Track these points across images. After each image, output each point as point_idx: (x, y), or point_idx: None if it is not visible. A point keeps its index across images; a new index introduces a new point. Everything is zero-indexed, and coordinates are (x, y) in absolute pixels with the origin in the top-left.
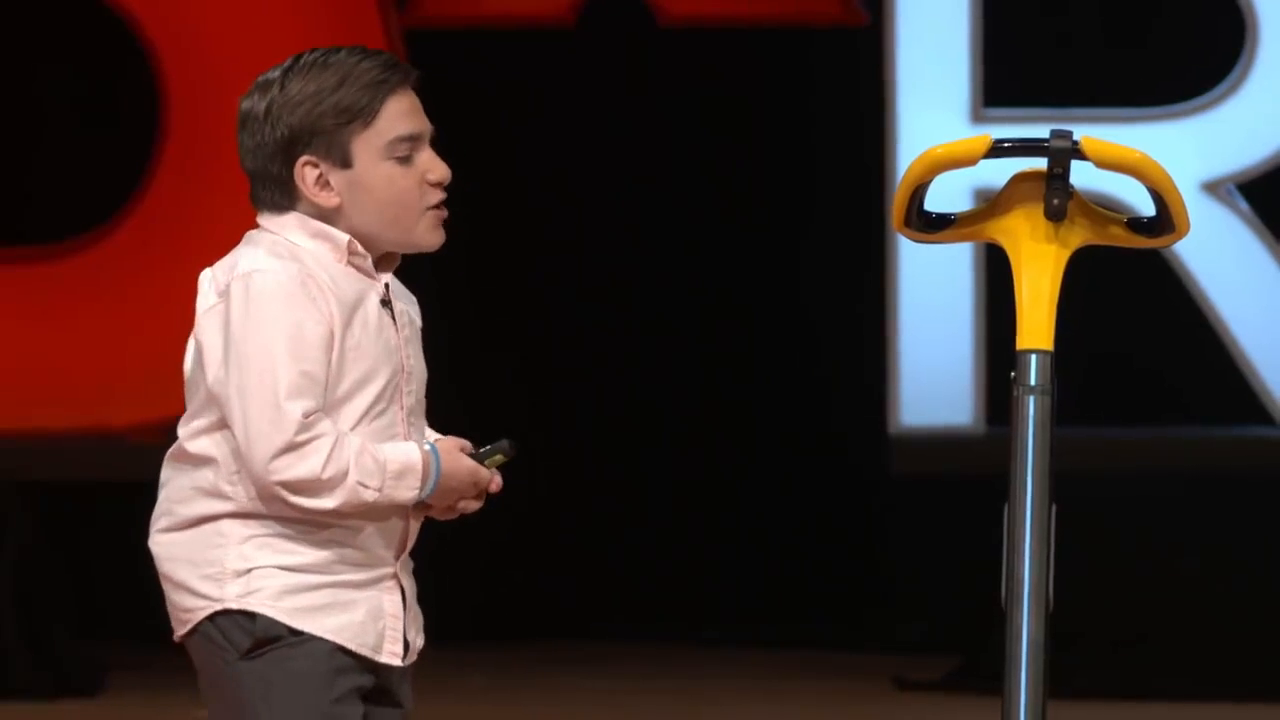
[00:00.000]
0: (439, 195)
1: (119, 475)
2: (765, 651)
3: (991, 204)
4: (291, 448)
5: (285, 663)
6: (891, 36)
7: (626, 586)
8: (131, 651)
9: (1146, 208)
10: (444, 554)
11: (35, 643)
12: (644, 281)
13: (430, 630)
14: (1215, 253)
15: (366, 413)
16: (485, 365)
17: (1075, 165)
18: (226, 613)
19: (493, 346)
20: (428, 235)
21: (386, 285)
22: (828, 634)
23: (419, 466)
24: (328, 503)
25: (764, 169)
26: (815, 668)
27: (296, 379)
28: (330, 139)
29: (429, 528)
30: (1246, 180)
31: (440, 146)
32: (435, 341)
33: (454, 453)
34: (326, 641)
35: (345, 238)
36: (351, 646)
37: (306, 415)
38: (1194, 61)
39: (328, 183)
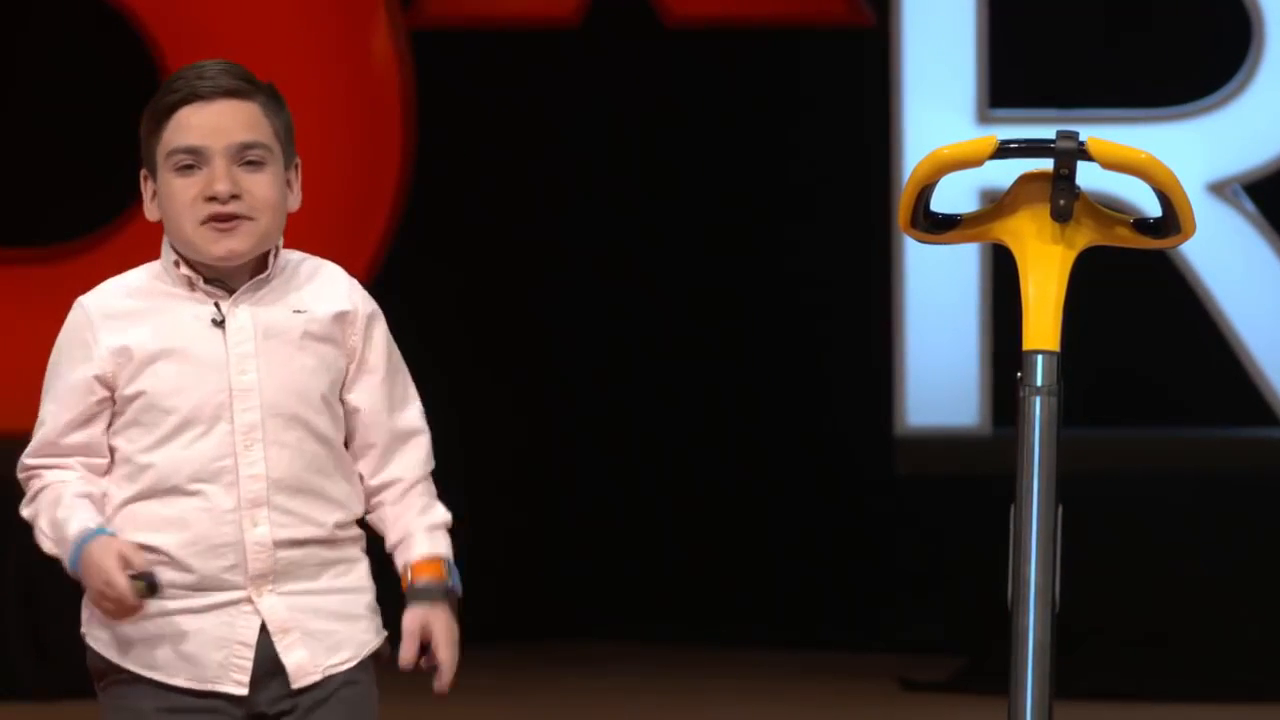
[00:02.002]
0: (211, 208)
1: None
2: (770, 652)
3: (997, 205)
4: (23, 485)
5: (117, 699)
6: (897, 37)
7: (631, 587)
8: None
9: (1152, 208)
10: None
11: (40, 643)
12: (649, 282)
13: None
14: (1221, 254)
15: (168, 439)
16: (488, 366)
17: (1081, 166)
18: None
19: (495, 347)
20: (207, 246)
21: (217, 304)
22: (833, 635)
23: (69, 540)
24: (36, 539)
25: (770, 170)
26: (820, 668)
27: (39, 420)
28: (146, 149)
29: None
30: (1252, 181)
31: (445, 146)
32: (437, 338)
33: (103, 551)
34: (150, 679)
35: (171, 257)
36: (175, 682)
37: (29, 458)
38: (1200, 62)
39: (154, 195)
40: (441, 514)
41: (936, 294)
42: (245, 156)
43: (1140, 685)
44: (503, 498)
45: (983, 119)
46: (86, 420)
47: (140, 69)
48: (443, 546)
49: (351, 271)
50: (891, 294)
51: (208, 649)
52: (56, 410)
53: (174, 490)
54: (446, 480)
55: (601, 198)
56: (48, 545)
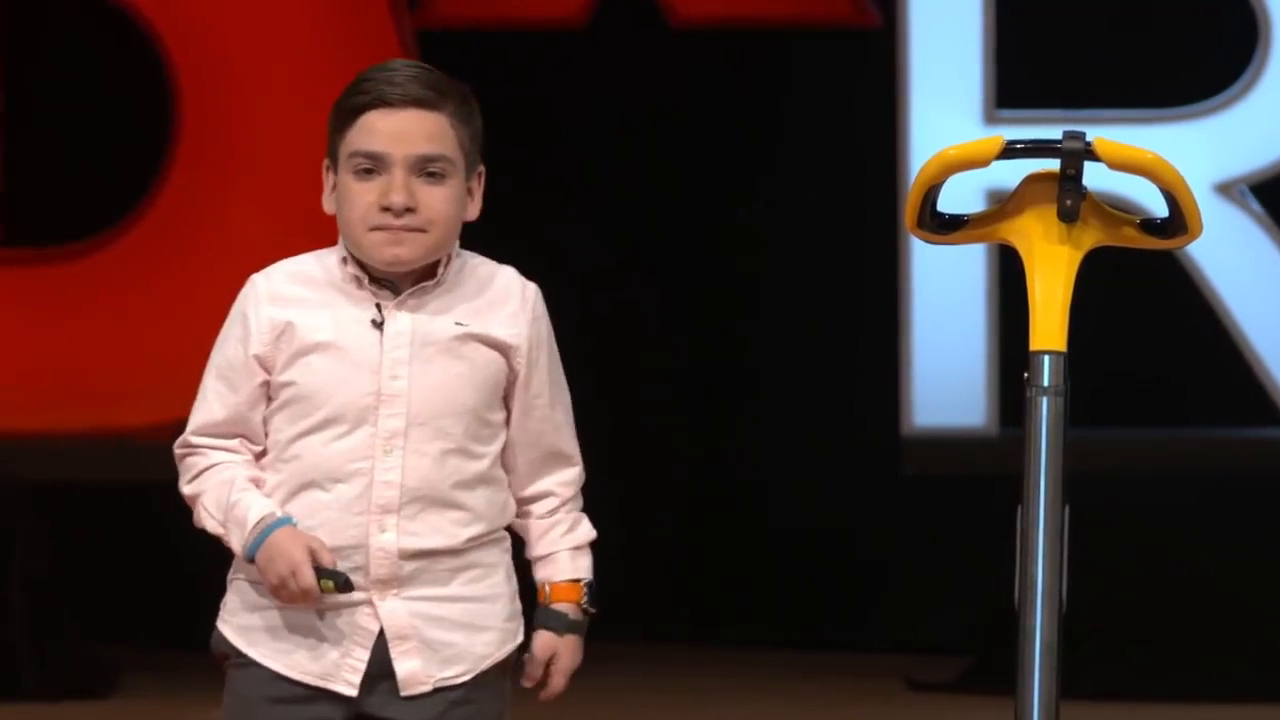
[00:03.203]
0: (384, 219)
1: (131, 476)
2: (777, 652)
3: (1004, 205)
4: (178, 461)
5: (233, 683)
6: (904, 38)
7: (636, 586)
8: (144, 653)
9: (1159, 209)
10: None
11: (46, 643)
12: (655, 282)
13: None
14: (1228, 254)
15: (312, 431)
16: None
17: (1088, 166)
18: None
19: None
20: (374, 251)
21: (378, 305)
22: (839, 635)
23: (250, 525)
24: (194, 514)
25: (775, 170)
26: (827, 668)
27: (200, 396)
28: (332, 143)
29: None
30: (1259, 181)
31: None
32: None
33: (292, 541)
34: (265, 668)
35: (342, 253)
36: (293, 674)
37: (192, 435)
38: (1206, 63)
39: (334, 187)
40: (586, 533)
41: (943, 294)
42: (426, 168)
43: (1145, 685)
44: None
45: (989, 119)
46: (248, 402)
47: (145, 69)
48: (585, 569)
49: None
50: (898, 294)
51: (326, 646)
52: (219, 389)
53: (311, 484)
54: None
55: (607, 198)
56: (211, 525)
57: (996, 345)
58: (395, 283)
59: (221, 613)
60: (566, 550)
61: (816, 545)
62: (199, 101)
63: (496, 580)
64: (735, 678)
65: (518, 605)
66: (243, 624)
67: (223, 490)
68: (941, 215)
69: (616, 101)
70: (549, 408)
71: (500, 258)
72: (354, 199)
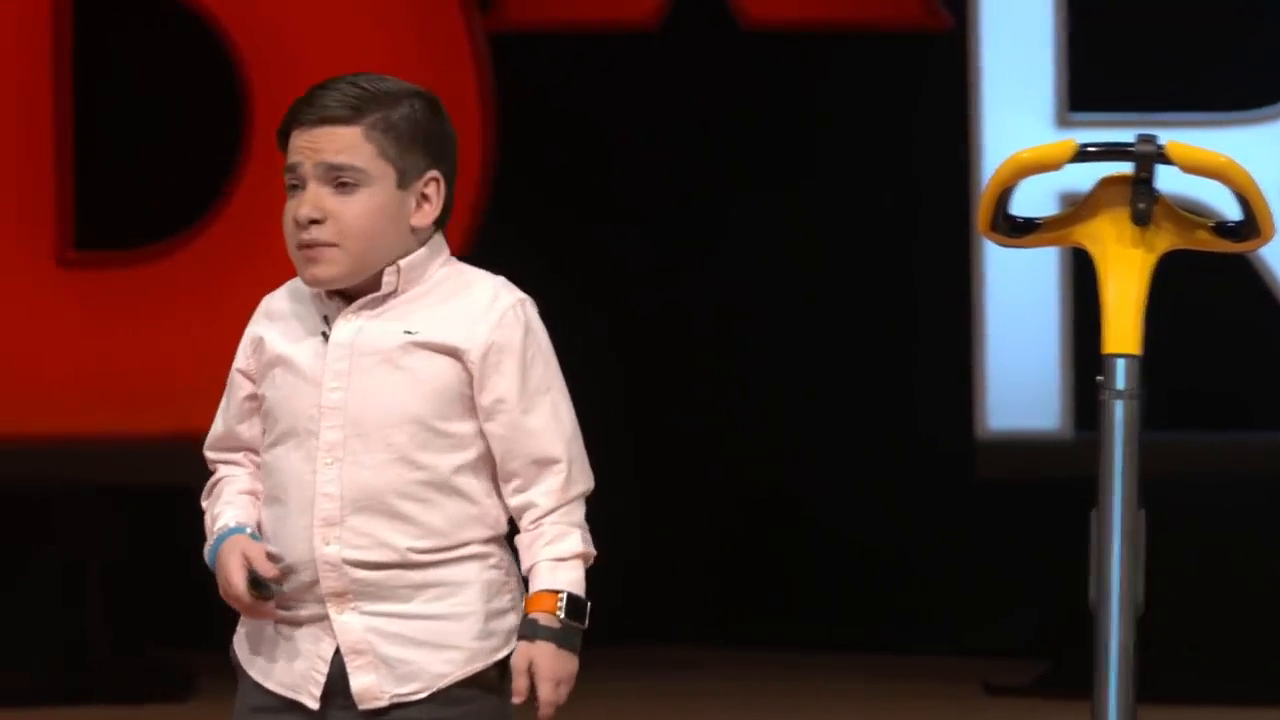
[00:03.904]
0: (300, 235)
1: (206, 480)
2: (852, 655)
3: (1077, 209)
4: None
5: (239, 690)
6: (975, 40)
7: (709, 591)
8: (221, 656)
9: (1232, 212)
10: None
11: (125, 647)
12: (728, 284)
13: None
14: None
15: (276, 444)
16: (565, 368)
17: (1161, 170)
18: None
19: (571, 345)
20: (300, 273)
21: (325, 317)
22: (916, 638)
23: (211, 537)
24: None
25: (847, 173)
26: (903, 671)
27: (217, 414)
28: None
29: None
30: None
31: (522, 150)
32: None
33: (229, 551)
34: (250, 676)
35: None
36: (269, 685)
37: (206, 448)
38: (1279, 65)
39: None
40: (572, 545)
41: (1016, 297)
42: (337, 179)
43: (1215, 688)
44: (609, 502)
45: (1062, 122)
46: (237, 415)
47: (218, 72)
48: (563, 579)
49: None
50: (971, 297)
51: (295, 659)
52: (225, 403)
53: (273, 498)
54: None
55: (678, 201)
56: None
57: (1070, 348)
58: (354, 294)
59: (240, 622)
60: (546, 561)
61: (891, 549)
62: (271, 104)
63: (466, 598)
64: (809, 681)
65: (503, 623)
66: (242, 632)
67: (213, 505)
68: (1014, 218)
69: (687, 104)
70: (520, 414)
71: (573, 260)
72: (284, 218)
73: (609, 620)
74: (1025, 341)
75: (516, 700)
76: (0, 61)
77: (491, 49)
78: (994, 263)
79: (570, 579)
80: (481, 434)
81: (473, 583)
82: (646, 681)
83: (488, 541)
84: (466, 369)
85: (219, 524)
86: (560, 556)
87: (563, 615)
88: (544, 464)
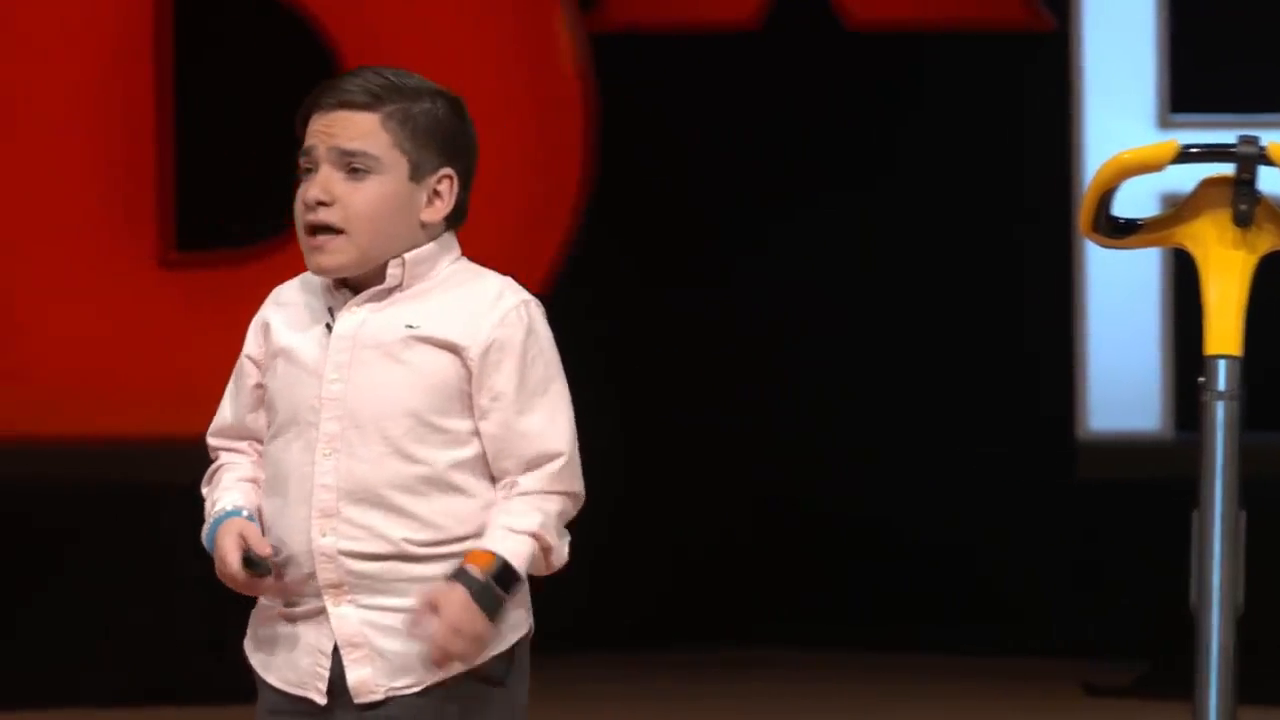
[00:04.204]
0: (307, 215)
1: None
2: (951, 656)
3: (1178, 210)
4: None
5: (258, 696)
6: (1078, 41)
7: (808, 591)
8: None
9: None
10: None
11: (216, 645)
12: (828, 284)
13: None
14: None
15: (277, 435)
16: (668, 368)
17: (1263, 171)
18: None
19: (676, 350)
20: (308, 259)
21: (330, 309)
22: (1016, 639)
23: (209, 519)
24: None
25: (949, 174)
26: (1004, 672)
27: (222, 401)
28: None
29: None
30: None
31: (624, 150)
32: (617, 342)
33: (225, 532)
34: (262, 678)
35: None
36: (278, 685)
37: (209, 435)
38: None
39: None
40: (530, 523)
41: (1118, 298)
42: (349, 164)
43: None
44: (691, 500)
45: (1164, 124)
46: (248, 404)
47: (318, 71)
48: (506, 546)
49: (530, 278)
50: (1073, 299)
51: (300, 655)
52: (233, 391)
53: (273, 489)
54: (632, 486)
55: (781, 200)
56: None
57: (1171, 349)
58: (361, 286)
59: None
60: (500, 529)
61: (992, 550)
62: None
63: None
64: (908, 683)
65: (501, 622)
66: (252, 635)
67: (213, 492)
68: (1116, 219)
69: (789, 103)
70: (514, 414)
71: (672, 256)
72: (295, 201)
73: (696, 620)
74: (1126, 342)
75: (412, 636)
76: (102, 63)
77: (593, 49)
78: (1096, 264)
79: (513, 549)
80: (479, 432)
81: None
82: (727, 683)
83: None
84: (466, 365)
85: (217, 507)
86: (515, 528)
87: (490, 574)
88: (541, 459)
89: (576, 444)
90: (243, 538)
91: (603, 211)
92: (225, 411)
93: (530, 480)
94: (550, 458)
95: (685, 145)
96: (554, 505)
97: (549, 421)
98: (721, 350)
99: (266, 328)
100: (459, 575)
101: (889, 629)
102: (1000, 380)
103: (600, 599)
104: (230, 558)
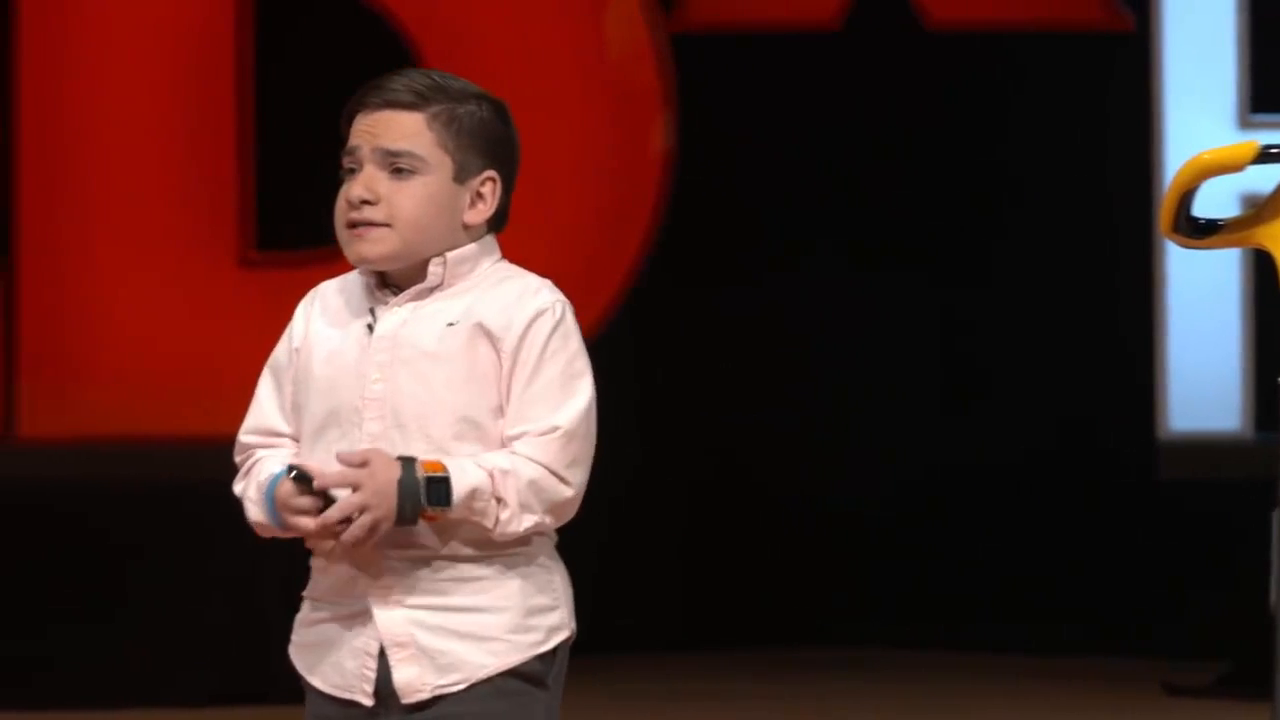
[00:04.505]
0: (350, 214)
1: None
2: (1030, 656)
3: (1259, 210)
4: (237, 466)
5: (306, 703)
6: (1158, 42)
7: (887, 591)
8: None
9: None
10: (700, 555)
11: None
12: (910, 285)
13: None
14: None
15: (318, 434)
16: (742, 365)
17: None
18: None
19: (751, 350)
20: (346, 250)
21: (372, 309)
22: (1096, 639)
23: (263, 490)
24: (247, 514)
25: (1028, 174)
26: (1084, 672)
27: (253, 399)
28: None
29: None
30: None
31: (705, 150)
32: (694, 343)
33: (282, 488)
34: (310, 683)
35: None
36: (325, 689)
37: (243, 435)
38: None
39: None
40: (497, 462)
41: (1198, 299)
42: (393, 164)
43: None
44: (774, 503)
45: (1244, 124)
46: (290, 403)
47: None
48: (460, 469)
49: (611, 278)
50: (1153, 299)
51: (346, 657)
52: (267, 389)
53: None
54: (707, 485)
55: (860, 200)
56: (254, 513)
57: (1252, 349)
58: (402, 287)
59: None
60: (469, 458)
61: (1072, 550)
62: None
63: (506, 592)
64: (989, 682)
65: (545, 620)
66: (296, 640)
67: (259, 474)
68: (1196, 220)
69: (869, 103)
70: (527, 392)
71: (750, 255)
72: (337, 199)
73: (767, 618)
74: (1207, 343)
75: (319, 485)
76: (183, 64)
77: (674, 50)
78: (1176, 264)
79: (464, 475)
80: None
81: (513, 578)
82: (795, 684)
83: (531, 538)
84: (500, 359)
85: (264, 475)
86: (479, 462)
87: (428, 478)
88: (533, 431)
89: (583, 434)
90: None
91: (682, 211)
92: (266, 411)
93: (521, 444)
94: (547, 430)
95: (765, 145)
96: (531, 471)
97: (558, 403)
98: (805, 346)
99: (307, 326)
100: (404, 460)
101: (968, 628)
102: (1081, 380)
103: (675, 597)
104: (297, 502)
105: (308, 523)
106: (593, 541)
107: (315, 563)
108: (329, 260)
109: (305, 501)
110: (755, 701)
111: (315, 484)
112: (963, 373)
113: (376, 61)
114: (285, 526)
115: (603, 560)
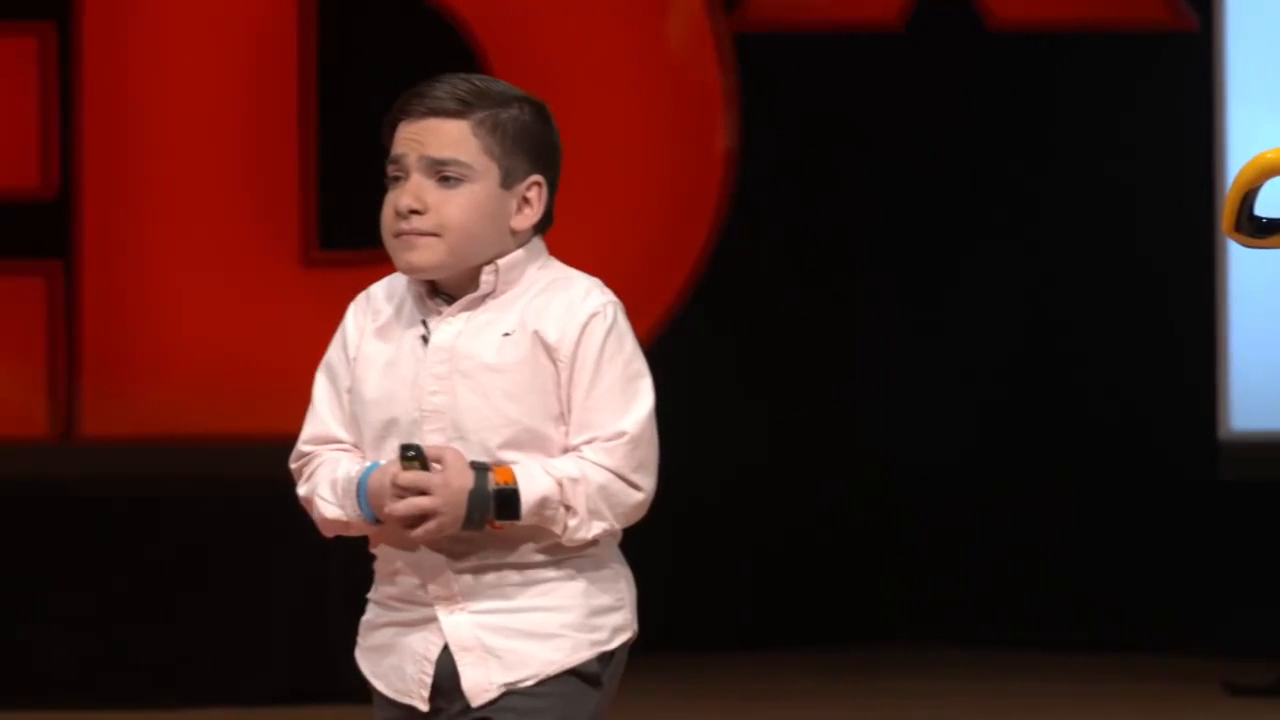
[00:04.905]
0: (399, 223)
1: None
2: (1091, 656)
3: None
4: (295, 475)
5: (375, 706)
6: (1221, 41)
7: (951, 592)
8: None
9: None
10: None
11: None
12: (971, 286)
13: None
14: None
15: (377, 444)
16: (806, 366)
17: None
18: None
19: (815, 348)
20: (395, 259)
21: (423, 321)
22: (1156, 639)
23: (352, 484)
24: (314, 517)
25: (1090, 174)
26: (1145, 671)
27: (310, 408)
28: None
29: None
30: None
31: (774, 151)
32: (756, 342)
33: (380, 474)
34: (374, 688)
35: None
36: (388, 693)
37: (303, 444)
38: None
39: None
40: (566, 469)
41: (1261, 298)
42: (440, 173)
43: None
44: (841, 501)
45: None
46: (348, 411)
47: (464, 72)
48: (529, 477)
49: (673, 275)
50: (1215, 298)
51: (406, 663)
52: (325, 395)
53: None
54: (771, 483)
55: (923, 200)
56: (330, 511)
57: None
58: (452, 295)
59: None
60: (538, 465)
61: (1134, 549)
62: None
63: (570, 592)
64: (1049, 681)
65: (608, 620)
66: (363, 645)
67: (330, 474)
68: (1259, 219)
69: (932, 104)
70: (590, 398)
71: (810, 256)
72: (384, 208)
73: (834, 617)
74: (1269, 342)
75: (402, 482)
76: (246, 64)
77: (736, 49)
78: (1238, 263)
79: (533, 484)
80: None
81: (579, 579)
82: (862, 684)
83: (594, 541)
84: (557, 367)
85: (353, 473)
86: (548, 469)
87: (498, 489)
88: (601, 437)
89: (648, 438)
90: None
91: (742, 211)
92: (323, 418)
93: (590, 449)
94: (614, 435)
95: (829, 144)
96: (600, 476)
97: (621, 408)
98: (866, 345)
99: (360, 336)
100: (479, 467)
101: (1030, 628)
102: (1143, 380)
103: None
104: (400, 478)
105: (425, 502)
106: (662, 541)
107: (379, 567)
108: (390, 260)
109: (410, 476)
110: (821, 701)
111: (420, 456)
112: (1025, 372)
113: (439, 60)
114: (376, 519)
115: (673, 560)
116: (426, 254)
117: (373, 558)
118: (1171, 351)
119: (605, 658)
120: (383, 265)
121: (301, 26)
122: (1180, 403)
